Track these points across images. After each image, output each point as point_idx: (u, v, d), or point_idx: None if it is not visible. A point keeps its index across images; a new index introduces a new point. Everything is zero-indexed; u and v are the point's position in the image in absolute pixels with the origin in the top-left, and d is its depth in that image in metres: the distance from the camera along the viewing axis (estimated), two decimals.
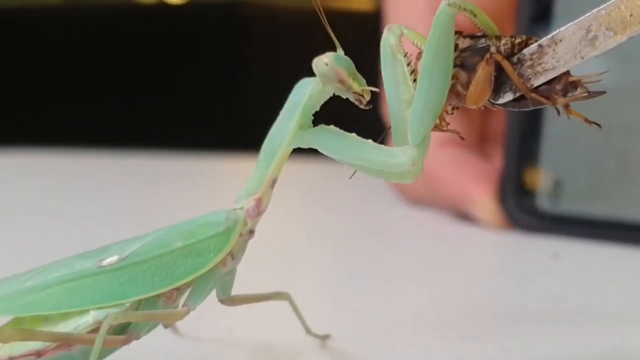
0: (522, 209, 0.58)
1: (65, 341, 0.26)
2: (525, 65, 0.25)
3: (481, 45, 0.26)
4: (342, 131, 0.28)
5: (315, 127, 0.28)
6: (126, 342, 0.27)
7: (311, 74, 0.27)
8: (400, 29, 0.27)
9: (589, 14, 0.25)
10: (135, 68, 1.50)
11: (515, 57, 0.25)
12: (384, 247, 0.56)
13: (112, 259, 0.27)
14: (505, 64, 0.25)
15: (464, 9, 0.25)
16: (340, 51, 0.28)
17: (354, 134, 0.28)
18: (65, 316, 0.27)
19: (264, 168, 0.28)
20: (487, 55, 0.25)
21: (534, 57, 0.25)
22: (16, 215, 0.64)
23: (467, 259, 0.55)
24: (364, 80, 0.28)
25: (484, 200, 0.59)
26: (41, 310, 0.27)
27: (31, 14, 1.61)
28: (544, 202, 0.58)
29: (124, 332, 0.27)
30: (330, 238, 0.58)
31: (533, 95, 0.25)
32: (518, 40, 0.25)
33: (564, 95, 0.25)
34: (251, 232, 0.28)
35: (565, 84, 0.25)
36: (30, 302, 0.27)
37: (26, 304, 0.27)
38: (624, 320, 0.41)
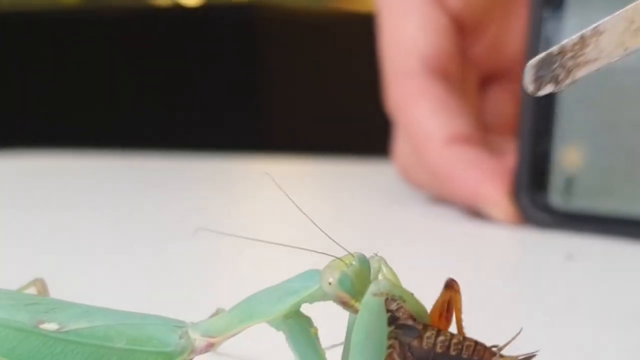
0: (535, 205, 0.59)
1: None
2: (567, 56, 0.25)
3: (411, 326, 0.25)
4: (316, 342, 0.26)
5: (296, 324, 0.26)
6: None
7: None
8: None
9: (631, 4, 0.24)
10: (150, 70, 1.51)
11: (557, 47, 0.25)
12: (395, 245, 0.56)
13: (51, 325, 0.26)
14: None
15: (393, 295, 0.24)
16: (352, 262, 0.25)
17: (325, 356, 0.26)
18: None
19: (234, 323, 0.27)
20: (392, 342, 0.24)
21: (576, 48, 0.25)
22: (42, 215, 0.65)
23: (479, 255, 0.55)
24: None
25: (498, 198, 0.59)
26: None
27: (47, 16, 1.62)
28: (556, 199, 0.59)
29: None
30: (342, 237, 0.58)
31: None
32: (441, 338, 0.24)
33: None
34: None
35: None
36: None
37: None
38: (638, 316, 0.41)
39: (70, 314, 0.27)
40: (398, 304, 0.25)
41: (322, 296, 0.26)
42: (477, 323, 0.39)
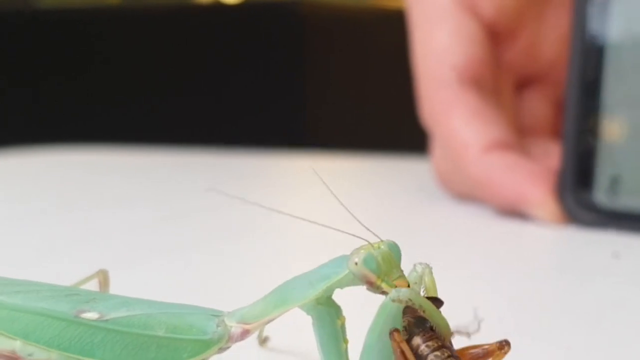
0: (580, 205, 0.58)
1: None
2: None
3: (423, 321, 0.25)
4: (340, 332, 0.27)
5: (325, 312, 0.27)
6: None
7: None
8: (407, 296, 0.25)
9: None
10: (192, 68, 1.52)
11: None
12: (436, 243, 0.55)
13: (92, 315, 0.27)
14: (404, 347, 0.25)
15: (413, 304, 0.25)
16: (379, 245, 0.26)
17: (345, 346, 0.27)
18: (25, 345, 0.27)
19: (268, 309, 0.27)
20: (392, 329, 0.25)
21: None
22: (98, 211, 0.66)
23: (524, 254, 0.55)
24: (396, 274, 0.26)
25: (542, 199, 0.59)
26: (7, 331, 0.27)
27: (90, 14, 1.63)
28: (602, 198, 0.58)
29: None
30: (381, 233, 0.57)
31: None
32: (437, 353, 0.25)
33: None
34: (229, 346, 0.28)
35: None
36: (1, 318, 0.27)
37: None
38: None
39: (110, 304, 0.28)
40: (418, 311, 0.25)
41: (352, 281, 0.26)
42: (524, 321, 0.39)
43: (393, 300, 0.25)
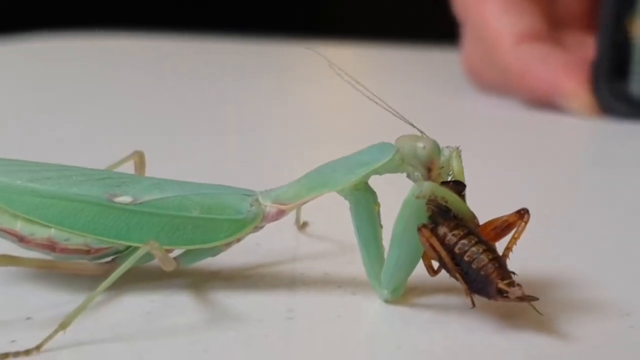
0: (615, 96, 0.57)
1: (52, 268, 0.27)
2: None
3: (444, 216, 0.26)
4: (376, 217, 0.27)
5: (363, 198, 0.27)
6: (108, 271, 0.27)
7: None
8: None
9: None
10: None
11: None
12: (465, 135, 0.55)
13: (125, 198, 0.27)
14: (433, 242, 0.25)
15: (436, 197, 0.25)
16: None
17: (381, 231, 0.27)
18: (60, 231, 0.27)
19: (304, 192, 0.27)
20: (420, 225, 0.25)
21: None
22: (104, 98, 0.66)
23: (557, 146, 0.54)
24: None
25: (576, 90, 0.58)
26: (42, 218, 0.27)
27: None
28: (637, 89, 0.57)
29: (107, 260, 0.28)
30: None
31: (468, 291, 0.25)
32: (469, 241, 0.25)
33: (500, 296, 0.24)
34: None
35: (497, 289, 0.24)
36: (33, 205, 0.27)
37: (29, 205, 0.27)
38: None
39: (142, 187, 0.28)
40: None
41: (396, 167, 0.27)
42: (559, 212, 0.38)
43: (417, 197, 0.25)
